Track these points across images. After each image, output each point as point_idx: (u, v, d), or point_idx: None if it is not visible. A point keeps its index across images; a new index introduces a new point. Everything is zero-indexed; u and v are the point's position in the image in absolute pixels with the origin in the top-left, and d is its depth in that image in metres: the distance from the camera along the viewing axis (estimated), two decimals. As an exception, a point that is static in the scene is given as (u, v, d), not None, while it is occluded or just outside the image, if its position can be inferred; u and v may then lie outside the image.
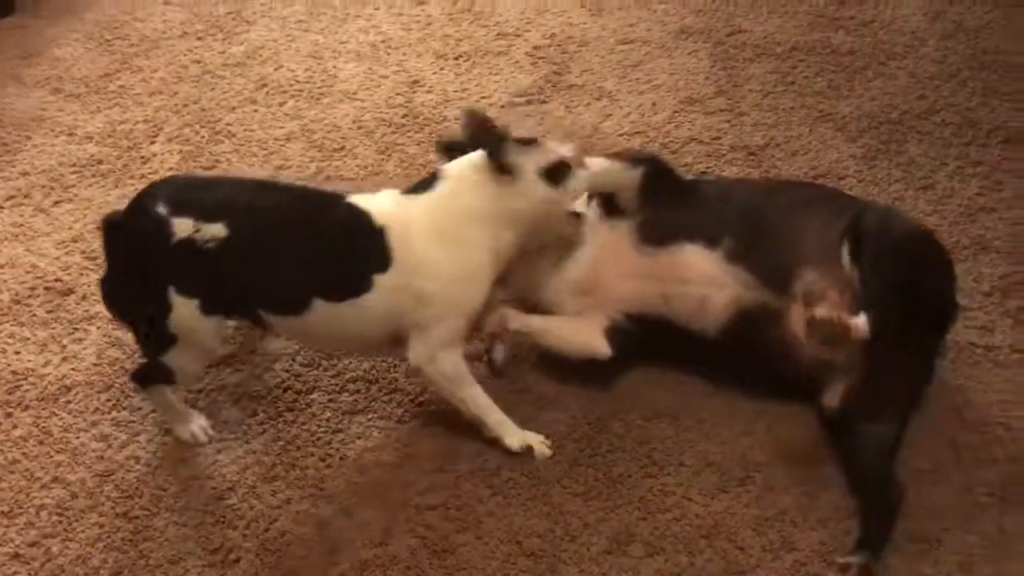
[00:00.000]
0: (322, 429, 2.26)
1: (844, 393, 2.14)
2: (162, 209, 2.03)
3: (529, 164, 2.11)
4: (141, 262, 2.07)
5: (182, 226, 2.02)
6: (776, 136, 2.99)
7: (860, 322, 2.03)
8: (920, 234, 2.30)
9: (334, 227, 2.11)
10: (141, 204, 2.09)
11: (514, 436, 2.17)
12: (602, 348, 2.27)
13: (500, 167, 2.09)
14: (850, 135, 2.99)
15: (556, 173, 2.14)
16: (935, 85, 3.15)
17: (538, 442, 2.17)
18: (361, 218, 2.09)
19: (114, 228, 2.11)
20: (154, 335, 2.10)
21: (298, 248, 2.07)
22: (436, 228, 2.09)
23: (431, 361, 2.12)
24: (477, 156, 2.13)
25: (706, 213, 2.33)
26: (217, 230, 2.02)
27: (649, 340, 2.29)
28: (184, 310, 2.04)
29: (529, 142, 2.13)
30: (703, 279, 2.24)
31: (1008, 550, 2.01)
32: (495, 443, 2.18)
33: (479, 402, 2.17)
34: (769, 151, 2.94)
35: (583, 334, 2.28)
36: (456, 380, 2.15)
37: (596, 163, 2.28)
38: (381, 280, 2.07)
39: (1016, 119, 3.01)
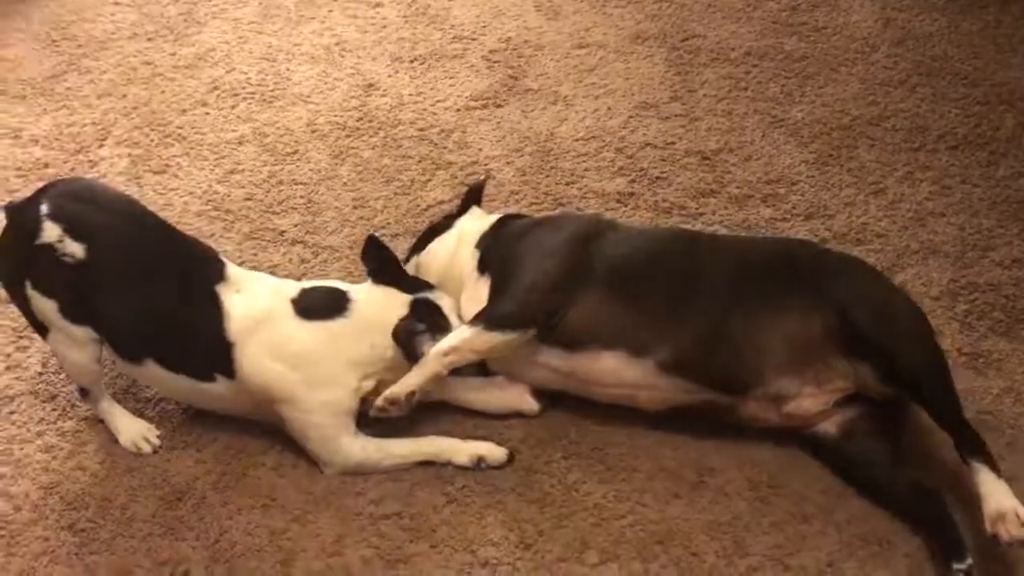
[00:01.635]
0: (273, 437, 2.22)
1: (844, 425, 2.12)
2: (43, 208, 2.05)
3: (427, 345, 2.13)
4: (10, 250, 2.09)
5: (50, 231, 2.03)
6: (730, 141, 3.01)
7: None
8: (916, 317, 2.19)
9: (188, 306, 2.09)
10: (33, 197, 2.11)
11: (461, 453, 2.15)
12: (530, 406, 2.23)
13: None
14: (802, 140, 3.02)
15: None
16: (885, 91, 3.19)
17: (488, 448, 2.15)
18: (217, 316, 2.08)
19: (7, 211, 2.12)
20: (31, 321, 2.13)
21: (147, 304, 2.07)
22: (300, 359, 2.07)
23: (337, 464, 2.13)
24: (394, 303, 2.15)
25: (631, 315, 2.13)
26: (76, 249, 2.03)
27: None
28: (43, 306, 2.06)
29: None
30: (626, 384, 2.14)
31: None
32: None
33: (410, 451, 2.15)
34: (723, 156, 2.96)
35: (508, 398, 2.23)
36: (371, 458, 2.13)
37: (482, 341, 2.11)
38: (225, 381, 2.10)
39: (963, 125, 3.07)
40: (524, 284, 2.16)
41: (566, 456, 2.18)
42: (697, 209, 2.79)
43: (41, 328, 2.12)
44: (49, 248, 2.02)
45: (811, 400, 2.12)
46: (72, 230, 2.03)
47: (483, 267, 2.29)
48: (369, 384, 2.13)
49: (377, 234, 2.28)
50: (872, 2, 3.56)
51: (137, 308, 2.08)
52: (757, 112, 3.12)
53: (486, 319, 2.13)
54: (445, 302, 2.23)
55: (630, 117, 3.09)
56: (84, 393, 2.21)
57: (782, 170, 2.92)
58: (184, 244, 2.19)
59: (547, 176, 2.90)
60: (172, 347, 2.11)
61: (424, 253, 2.43)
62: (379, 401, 2.09)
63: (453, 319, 2.21)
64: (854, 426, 2.11)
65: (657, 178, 2.89)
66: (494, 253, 2.29)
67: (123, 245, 2.09)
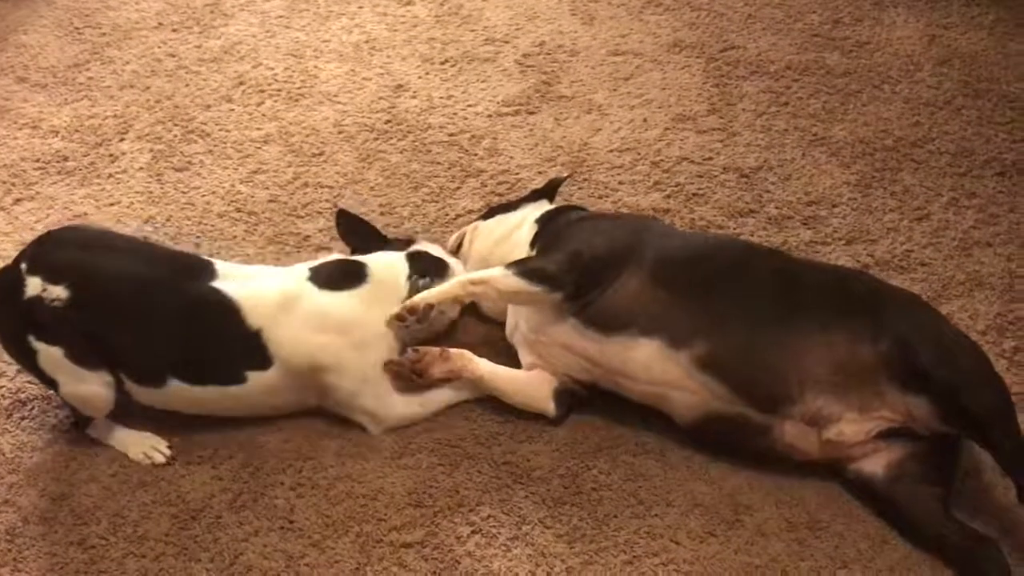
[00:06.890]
0: (292, 455, 2.14)
1: (892, 466, 2.02)
2: (23, 266, 2.07)
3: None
4: (4, 312, 2.08)
5: (32, 284, 2.04)
6: (769, 159, 2.92)
7: None
8: (980, 357, 2.08)
9: (196, 311, 2.08)
10: (16, 258, 2.12)
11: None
12: (548, 408, 2.19)
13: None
14: (844, 160, 2.92)
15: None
16: (930, 112, 3.09)
17: None
18: (231, 310, 2.07)
19: None
20: (38, 377, 2.11)
21: (154, 323, 2.06)
22: (343, 325, 2.13)
23: (391, 418, 2.18)
24: (399, 264, 2.26)
25: (674, 305, 2.07)
26: (59, 292, 2.03)
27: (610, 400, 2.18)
28: (49, 355, 2.03)
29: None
30: (659, 379, 2.08)
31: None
32: (472, 477, 2.11)
33: (448, 395, 2.22)
34: (762, 174, 2.87)
35: (530, 392, 2.20)
36: (418, 410, 2.19)
37: (507, 284, 2.13)
38: (260, 376, 2.08)
39: (1011, 151, 2.96)
40: (568, 249, 2.18)
41: (596, 488, 2.10)
42: (735, 228, 2.70)
43: (51, 381, 2.07)
44: (38, 300, 2.02)
45: (852, 427, 2.03)
46: (48, 277, 2.03)
47: (535, 242, 2.32)
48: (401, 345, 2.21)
49: (343, 206, 2.37)
50: (916, 18, 3.46)
51: (145, 330, 2.06)
52: (797, 129, 3.02)
53: (520, 265, 2.17)
54: (432, 247, 2.39)
55: (666, 129, 3.00)
56: (85, 424, 2.14)
57: (823, 191, 2.82)
58: (166, 254, 2.22)
59: (580, 188, 2.81)
60: (192, 359, 2.06)
61: (485, 221, 2.49)
62: (398, 308, 2.16)
63: (445, 256, 2.38)
64: (903, 468, 2.01)
65: (694, 194, 2.80)
66: (550, 229, 2.33)
67: (105, 274, 2.07)
